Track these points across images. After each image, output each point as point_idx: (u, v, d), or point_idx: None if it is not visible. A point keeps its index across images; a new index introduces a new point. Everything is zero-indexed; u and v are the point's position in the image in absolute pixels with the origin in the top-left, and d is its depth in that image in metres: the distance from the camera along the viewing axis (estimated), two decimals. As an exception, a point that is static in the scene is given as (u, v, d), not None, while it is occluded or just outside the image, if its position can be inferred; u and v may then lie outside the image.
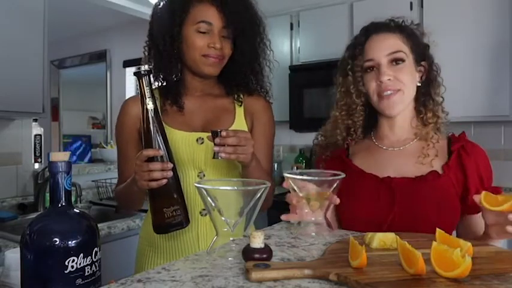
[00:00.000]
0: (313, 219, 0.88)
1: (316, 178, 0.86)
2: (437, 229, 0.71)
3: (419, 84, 1.12)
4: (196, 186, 0.71)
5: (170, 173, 1.03)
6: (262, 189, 0.70)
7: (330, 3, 2.98)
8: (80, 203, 2.43)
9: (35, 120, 2.40)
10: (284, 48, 3.22)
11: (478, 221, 1.04)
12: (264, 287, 0.59)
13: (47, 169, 2.30)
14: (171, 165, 1.03)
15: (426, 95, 1.12)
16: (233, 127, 1.19)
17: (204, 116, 1.23)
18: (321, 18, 3.01)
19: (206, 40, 1.15)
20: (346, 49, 1.16)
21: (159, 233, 1.11)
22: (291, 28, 3.20)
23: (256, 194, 0.70)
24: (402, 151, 1.12)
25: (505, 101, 2.42)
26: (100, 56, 4.65)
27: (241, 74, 1.23)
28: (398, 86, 1.06)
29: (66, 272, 0.64)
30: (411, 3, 2.64)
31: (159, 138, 1.05)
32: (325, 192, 0.85)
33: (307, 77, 3.03)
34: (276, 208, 1.11)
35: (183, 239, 1.18)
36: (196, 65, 1.18)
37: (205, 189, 0.70)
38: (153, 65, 1.21)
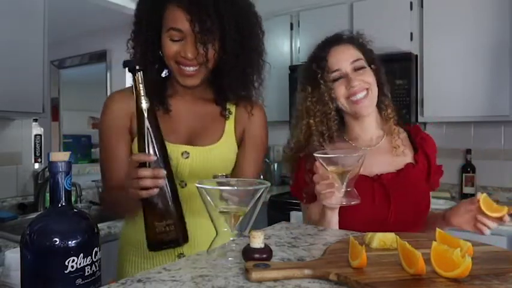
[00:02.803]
0: (343, 190, 0.98)
1: (343, 155, 0.97)
2: (437, 229, 0.72)
3: None
4: (196, 186, 0.71)
5: (162, 182, 0.91)
6: (262, 189, 0.70)
7: (330, 3, 2.98)
8: (80, 203, 2.43)
9: (35, 120, 2.40)
10: (284, 48, 3.23)
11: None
12: (264, 287, 0.59)
13: (47, 169, 2.30)
14: (164, 172, 0.91)
15: (381, 94, 1.24)
16: (220, 142, 1.12)
17: (192, 122, 1.14)
18: (321, 18, 3.01)
19: (178, 48, 1.04)
20: (310, 60, 1.24)
21: (152, 250, 0.99)
22: (291, 28, 3.20)
23: (256, 194, 0.70)
24: (378, 149, 1.21)
25: (505, 101, 2.42)
26: (100, 56, 4.64)
27: (230, 78, 1.10)
28: (366, 86, 1.16)
29: (66, 272, 0.64)
30: (411, 3, 2.63)
31: (153, 142, 0.94)
32: (350, 169, 0.95)
33: (307, 77, 3.03)
34: (276, 208, 1.11)
35: None
36: (174, 74, 1.09)
37: (205, 189, 0.70)
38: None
